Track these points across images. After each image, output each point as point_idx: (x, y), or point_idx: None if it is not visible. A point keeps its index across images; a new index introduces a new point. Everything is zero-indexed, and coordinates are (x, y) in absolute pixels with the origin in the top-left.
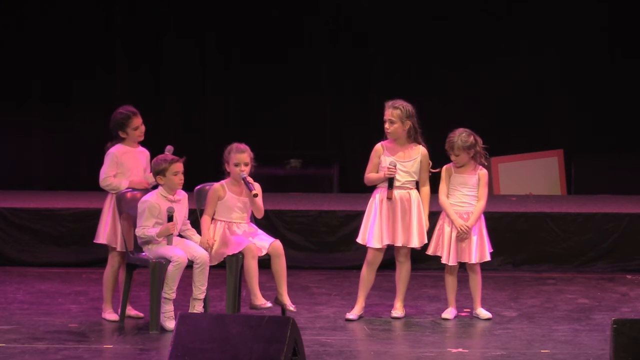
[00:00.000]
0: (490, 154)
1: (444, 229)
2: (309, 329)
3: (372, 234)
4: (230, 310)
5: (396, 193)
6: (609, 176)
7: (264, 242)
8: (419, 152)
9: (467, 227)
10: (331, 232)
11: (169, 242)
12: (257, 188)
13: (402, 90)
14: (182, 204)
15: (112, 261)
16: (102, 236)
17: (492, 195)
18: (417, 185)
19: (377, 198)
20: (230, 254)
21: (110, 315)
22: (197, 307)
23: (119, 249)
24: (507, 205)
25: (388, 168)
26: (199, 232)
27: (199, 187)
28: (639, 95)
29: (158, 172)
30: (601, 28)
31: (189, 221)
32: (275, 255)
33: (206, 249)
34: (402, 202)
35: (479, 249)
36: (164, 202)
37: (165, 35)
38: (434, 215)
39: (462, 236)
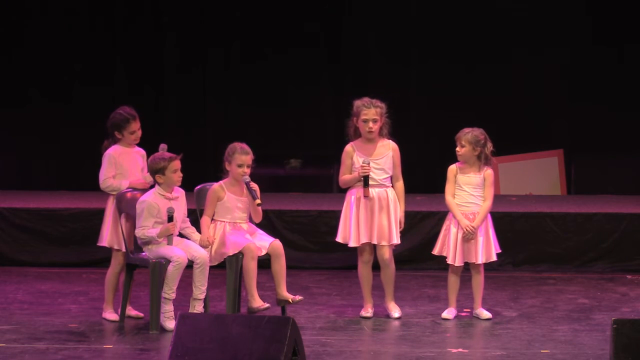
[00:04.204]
0: None
1: (450, 229)
2: (309, 329)
3: (350, 233)
4: (230, 310)
5: (374, 191)
6: (609, 176)
7: (263, 242)
8: (390, 147)
9: (473, 227)
10: (331, 232)
11: (169, 242)
12: (257, 190)
13: (402, 89)
14: (180, 201)
15: (115, 262)
16: (104, 239)
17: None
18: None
19: (353, 197)
20: (230, 254)
21: (110, 315)
22: (197, 307)
23: (119, 248)
24: (507, 205)
25: (362, 167)
26: (199, 232)
27: (199, 187)
28: (639, 95)
29: (157, 170)
30: (602, 28)
31: (188, 219)
32: (275, 255)
33: (206, 247)
34: (379, 200)
35: (485, 249)
36: (163, 201)
37: (166, 35)
38: (432, 215)
39: (468, 237)
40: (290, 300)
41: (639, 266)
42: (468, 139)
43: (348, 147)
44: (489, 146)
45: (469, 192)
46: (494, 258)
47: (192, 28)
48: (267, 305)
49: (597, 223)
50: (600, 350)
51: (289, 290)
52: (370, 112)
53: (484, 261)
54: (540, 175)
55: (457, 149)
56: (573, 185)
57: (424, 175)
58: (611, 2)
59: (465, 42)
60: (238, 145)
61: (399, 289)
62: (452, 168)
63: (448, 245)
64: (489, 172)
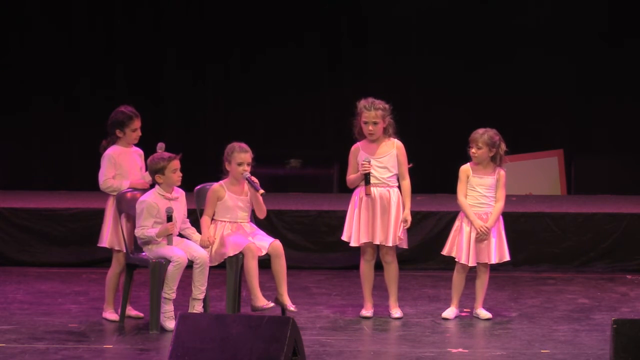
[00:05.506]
0: None
1: (463, 229)
2: (309, 329)
3: (352, 232)
4: (230, 310)
5: (376, 190)
6: (609, 176)
7: (263, 242)
8: (394, 145)
9: (487, 228)
10: (331, 232)
11: (169, 242)
12: (258, 182)
13: (403, 89)
14: (180, 201)
15: (116, 262)
16: (105, 239)
17: None
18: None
19: (357, 197)
20: (230, 254)
21: (110, 315)
22: (197, 307)
23: (119, 249)
24: (507, 205)
25: (362, 164)
26: (199, 232)
27: (199, 187)
28: (639, 95)
29: (156, 170)
30: (601, 28)
31: (188, 220)
32: (275, 255)
33: (206, 247)
34: (381, 200)
35: (498, 250)
36: (162, 201)
37: (165, 34)
38: (432, 215)
39: (482, 237)
40: (287, 307)
41: (639, 266)
42: (485, 140)
43: (354, 147)
44: (503, 147)
45: (482, 192)
46: (507, 258)
47: (191, 28)
48: (271, 304)
49: (597, 223)
50: (600, 350)
51: (289, 290)
52: (370, 115)
53: (497, 261)
54: (540, 175)
55: (473, 150)
56: (573, 185)
57: (423, 175)
58: (613, 3)
59: (465, 42)
60: (237, 145)
61: (399, 289)
62: (465, 168)
63: (460, 245)
64: (502, 173)
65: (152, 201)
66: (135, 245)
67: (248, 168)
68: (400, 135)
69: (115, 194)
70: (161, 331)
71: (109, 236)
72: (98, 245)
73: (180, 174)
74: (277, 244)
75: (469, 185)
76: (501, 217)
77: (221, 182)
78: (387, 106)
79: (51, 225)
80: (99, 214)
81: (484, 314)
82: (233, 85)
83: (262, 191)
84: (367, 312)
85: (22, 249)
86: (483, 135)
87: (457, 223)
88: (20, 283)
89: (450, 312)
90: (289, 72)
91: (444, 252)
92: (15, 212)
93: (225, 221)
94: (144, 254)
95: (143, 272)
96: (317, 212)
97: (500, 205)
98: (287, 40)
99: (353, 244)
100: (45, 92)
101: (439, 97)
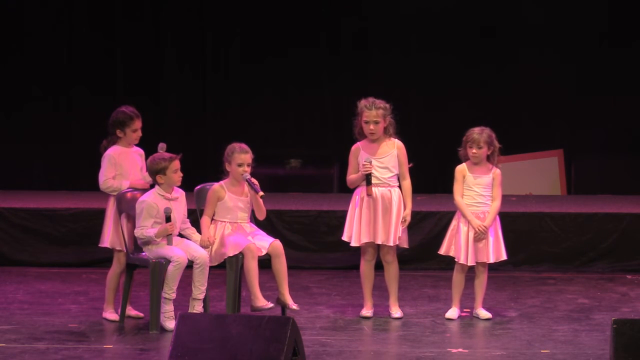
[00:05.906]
0: None
1: (460, 228)
2: (309, 329)
3: (353, 232)
4: (230, 310)
5: (377, 190)
6: (609, 176)
7: (263, 242)
8: (395, 145)
9: (485, 227)
10: (331, 232)
11: (169, 242)
12: (258, 184)
13: (402, 89)
14: (180, 202)
15: (117, 262)
16: (106, 240)
17: None
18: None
19: (357, 197)
20: (230, 254)
21: (110, 315)
22: (197, 307)
23: (120, 249)
24: (507, 205)
25: (363, 165)
26: (199, 232)
27: (199, 187)
28: (639, 95)
29: (157, 171)
30: (601, 28)
31: (188, 220)
32: (275, 255)
33: (206, 247)
34: (383, 200)
35: (495, 249)
36: (162, 202)
37: (165, 34)
38: (432, 215)
39: (480, 237)
40: (289, 306)
41: (639, 266)
42: (485, 139)
43: (354, 147)
44: (497, 144)
45: (479, 192)
46: (504, 257)
47: (191, 27)
48: (271, 305)
49: (597, 223)
50: (600, 350)
51: (290, 290)
52: (371, 114)
53: (494, 260)
54: (540, 175)
55: (474, 150)
56: (573, 185)
57: (423, 175)
58: (613, 3)
59: (465, 42)
60: (237, 145)
61: (399, 289)
62: (461, 168)
63: (458, 245)
64: (497, 172)
65: (152, 201)
66: (136, 245)
67: (248, 169)
68: (400, 135)
69: (115, 194)
70: (161, 331)
71: (110, 236)
72: (99, 245)
73: (181, 174)
74: (277, 243)
75: (466, 185)
76: (498, 216)
77: (221, 182)
78: (387, 105)
79: (51, 225)
80: (99, 214)
81: (483, 314)
82: (233, 85)
83: (261, 193)
84: (367, 312)
85: (22, 249)
86: (482, 135)
87: (454, 223)
88: (20, 283)
89: (453, 313)
90: (289, 72)
91: (441, 251)
92: (15, 212)
93: (225, 221)
94: (144, 254)
95: (143, 272)
96: (317, 212)
97: (497, 204)
98: (287, 40)
99: (354, 244)
100: (45, 92)
101: (439, 96)
